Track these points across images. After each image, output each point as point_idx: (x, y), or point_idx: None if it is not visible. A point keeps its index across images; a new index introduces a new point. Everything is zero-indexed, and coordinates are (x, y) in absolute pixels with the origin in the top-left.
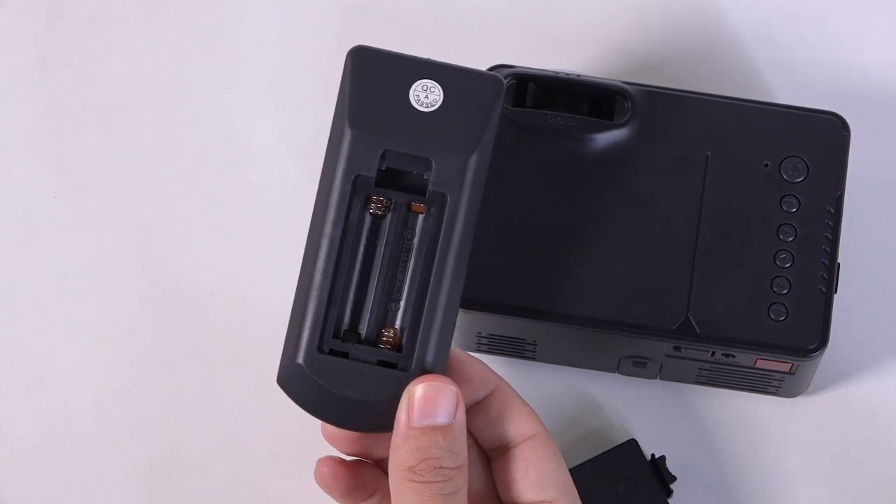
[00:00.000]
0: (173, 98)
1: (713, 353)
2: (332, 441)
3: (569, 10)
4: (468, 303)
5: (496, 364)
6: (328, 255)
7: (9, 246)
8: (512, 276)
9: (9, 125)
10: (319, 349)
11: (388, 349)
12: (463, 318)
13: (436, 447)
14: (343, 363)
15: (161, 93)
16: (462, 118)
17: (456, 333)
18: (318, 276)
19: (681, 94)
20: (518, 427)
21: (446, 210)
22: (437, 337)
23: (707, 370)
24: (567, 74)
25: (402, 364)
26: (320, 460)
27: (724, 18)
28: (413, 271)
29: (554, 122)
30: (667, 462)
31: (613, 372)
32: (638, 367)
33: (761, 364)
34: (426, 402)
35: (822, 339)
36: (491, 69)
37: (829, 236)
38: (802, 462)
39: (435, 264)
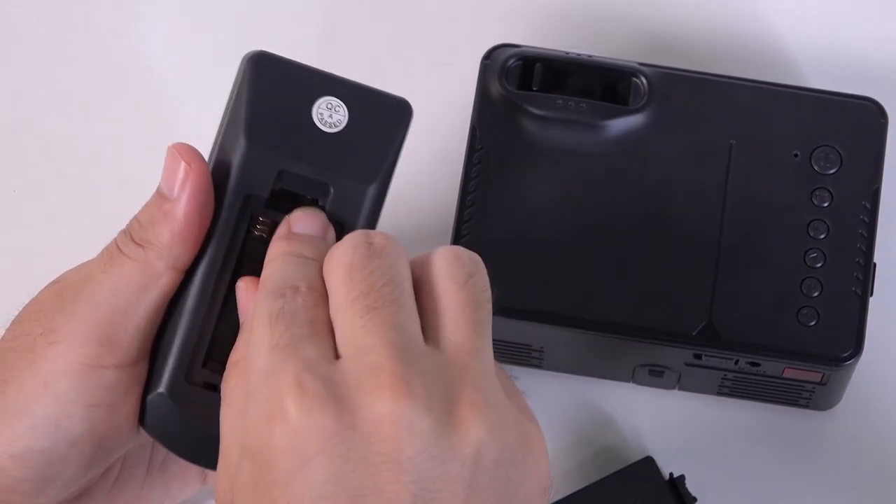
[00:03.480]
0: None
1: (737, 362)
2: None
3: None
4: None
5: None
6: (206, 277)
7: None
8: (516, 276)
9: None
10: (187, 380)
11: None
12: None
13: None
14: (211, 396)
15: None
16: (366, 144)
17: None
18: (191, 299)
19: (702, 76)
20: None
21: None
22: None
23: (730, 380)
24: (578, 55)
25: None
26: None
27: None
28: None
29: (563, 107)
30: (686, 482)
31: (628, 382)
32: (655, 376)
33: (790, 373)
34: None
35: (856, 346)
36: (495, 48)
37: (865, 234)
38: (835, 481)
39: None
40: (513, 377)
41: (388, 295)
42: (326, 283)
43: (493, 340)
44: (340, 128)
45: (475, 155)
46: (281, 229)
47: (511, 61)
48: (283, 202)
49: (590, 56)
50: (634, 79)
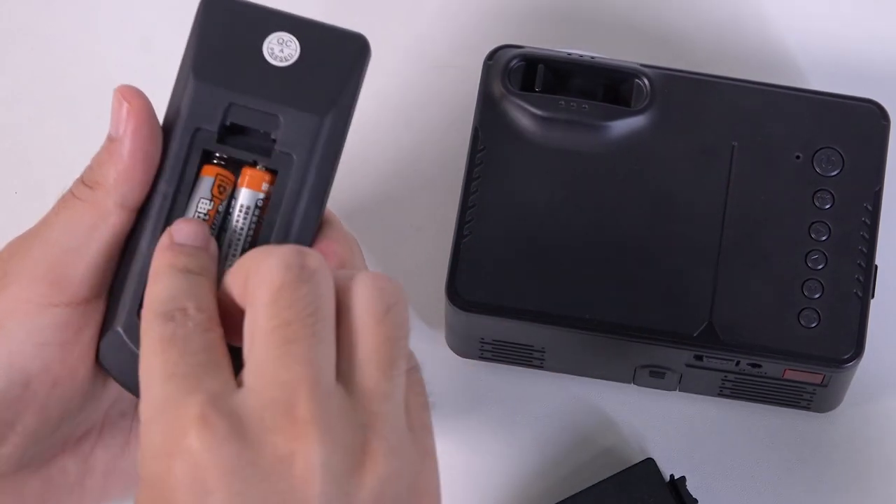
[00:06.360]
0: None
1: (738, 363)
2: None
3: None
4: (470, 305)
5: (500, 373)
6: (157, 215)
7: None
8: (518, 276)
9: None
10: (140, 316)
11: None
12: (465, 322)
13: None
14: None
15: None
16: (319, 76)
17: (457, 339)
18: (144, 238)
19: (704, 78)
20: None
21: (291, 173)
22: None
23: (731, 381)
24: (580, 56)
25: None
26: None
27: None
28: (251, 238)
29: (566, 108)
30: (687, 483)
31: (629, 383)
32: (655, 377)
33: (791, 375)
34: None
35: (857, 348)
36: (497, 49)
37: (866, 235)
38: (835, 483)
39: (273, 232)
40: (514, 376)
41: (309, 327)
42: (244, 295)
43: (497, 341)
44: (291, 62)
45: (477, 155)
46: (163, 240)
47: (514, 62)
48: (235, 138)
49: (592, 57)
50: (637, 80)
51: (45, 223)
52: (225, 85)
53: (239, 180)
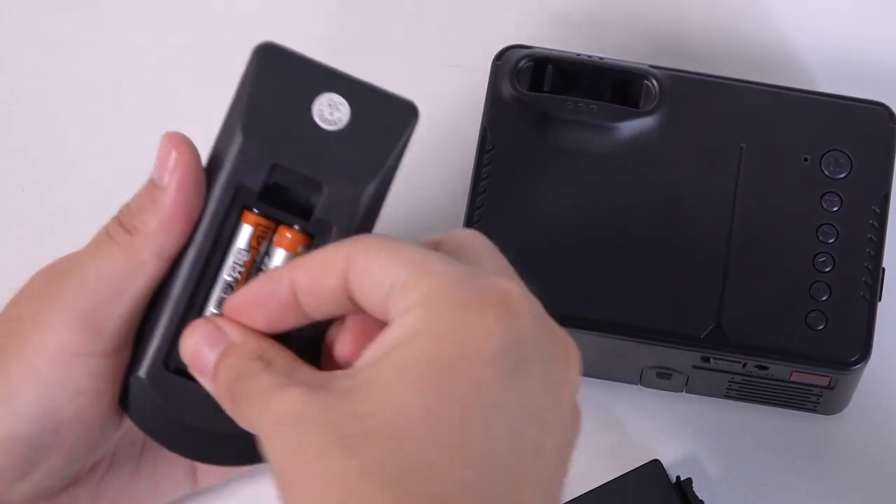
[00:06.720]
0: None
1: (745, 365)
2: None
3: None
4: None
5: None
6: (192, 266)
7: None
8: (525, 276)
9: None
10: (166, 366)
11: None
12: None
13: None
14: (188, 385)
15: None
16: (366, 144)
17: None
18: (177, 287)
19: (713, 79)
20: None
21: (329, 240)
22: None
23: (738, 383)
24: (589, 57)
25: None
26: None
27: None
28: None
29: (574, 109)
30: (693, 485)
31: (635, 384)
32: (662, 378)
33: (797, 377)
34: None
35: (864, 351)
36: (506, 49)
37: (874, 238)
38: (842, 485)
39: None
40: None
41: None
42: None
43: None
44: (341, 126)
45: (486, 156)
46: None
47: (523, 62)
48: (276, 197)
49: (601, 58)
50: (645, 81)
51: (79, 263)
52: (272, 145)
53: (276, 239)
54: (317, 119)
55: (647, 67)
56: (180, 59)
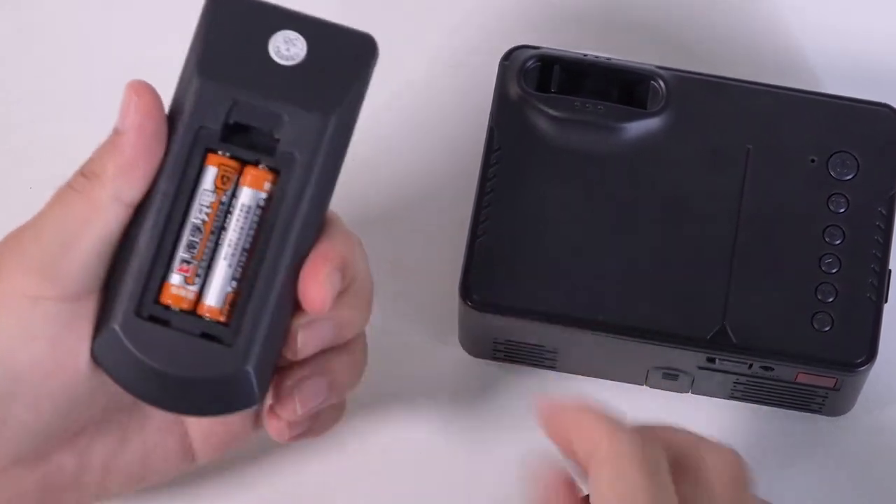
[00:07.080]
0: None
1: (750, 366)
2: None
3: None
4: (483, 305)
5: (513, 373)
6: (158, 211)
7: None
8: (531, 277)
9: None
10: (138, 314)
11: (215, 321)
12: (478, 323)
13: None
14: (163, 332)
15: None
16: (325, 76)
17: (470, 339)
18: (144, 233)
19: (720, 80)
20: None
21: (294, 173)
22: (269, 315)
23: (743, 384)
24: (596, 57)
25: (227, 339)
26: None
27: None
28: (252, 238)
29: (581, 109)
30: None
31: (641, 384)
32: (668, 379)
33: (803, 378)
34: None
35: (870, 353)
36: (514, 49)
37: (881, 240)
38: (847, 487)
39: (274, 233)
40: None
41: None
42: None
43: (510, 342)
44: (297, 61)
45: (492, 156)
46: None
47: (530, 62)
48: (240, 139)
49: (608, 59)
50: (652, 82)
51: (40, 214)
52: (229, 83)
53: (241, 179)
54: (273, 56)
55: (653, 68)
56: (183, 59)
